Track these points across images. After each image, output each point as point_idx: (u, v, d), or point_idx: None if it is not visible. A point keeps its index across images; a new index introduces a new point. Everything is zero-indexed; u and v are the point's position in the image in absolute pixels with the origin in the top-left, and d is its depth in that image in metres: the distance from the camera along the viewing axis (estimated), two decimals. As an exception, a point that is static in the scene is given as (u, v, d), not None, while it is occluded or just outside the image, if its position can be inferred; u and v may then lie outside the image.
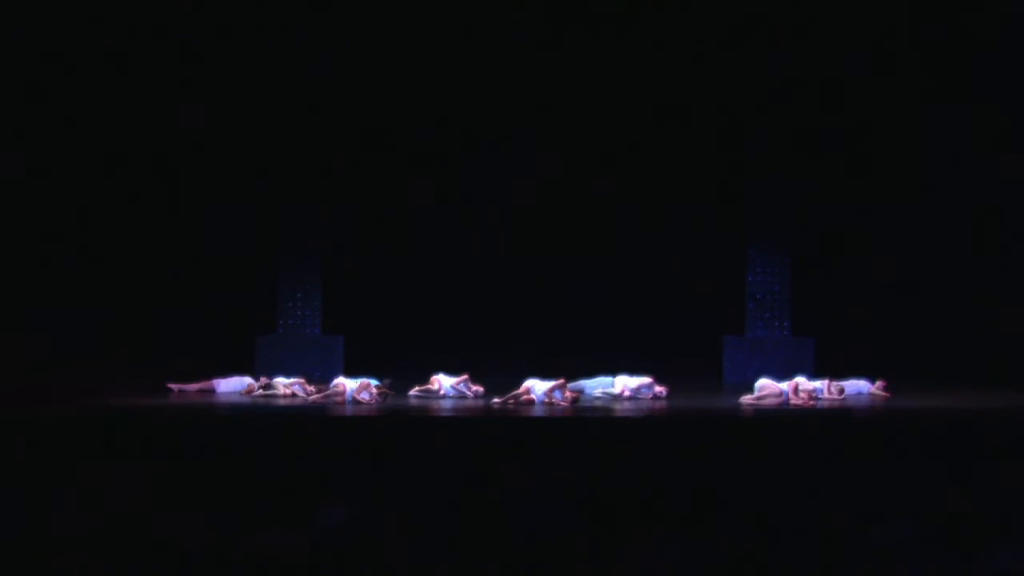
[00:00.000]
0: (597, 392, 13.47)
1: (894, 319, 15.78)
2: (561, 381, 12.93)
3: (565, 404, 12.72)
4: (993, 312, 15.48)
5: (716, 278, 16.19)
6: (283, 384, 13.54)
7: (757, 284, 16.07)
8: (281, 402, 13.18)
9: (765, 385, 13.11)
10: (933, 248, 15.93)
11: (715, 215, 16.26)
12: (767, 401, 12.88)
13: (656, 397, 13.27)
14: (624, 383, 13.41)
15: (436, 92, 16.07)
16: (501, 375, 13.55)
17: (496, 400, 12.77)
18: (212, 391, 13.71)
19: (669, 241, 16.34)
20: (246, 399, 13.42)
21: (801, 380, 13.30)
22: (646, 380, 13.40)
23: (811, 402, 12.96)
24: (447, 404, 12.99)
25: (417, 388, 13.53)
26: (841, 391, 13.50)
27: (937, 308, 15.78)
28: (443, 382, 13.48)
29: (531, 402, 12.71)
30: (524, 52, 15.82)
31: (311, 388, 13.50)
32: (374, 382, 13.25)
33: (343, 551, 6.65)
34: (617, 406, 12.77)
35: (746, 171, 16.01)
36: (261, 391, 13.67)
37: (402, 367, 14.14)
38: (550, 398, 12.77)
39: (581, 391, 13.41)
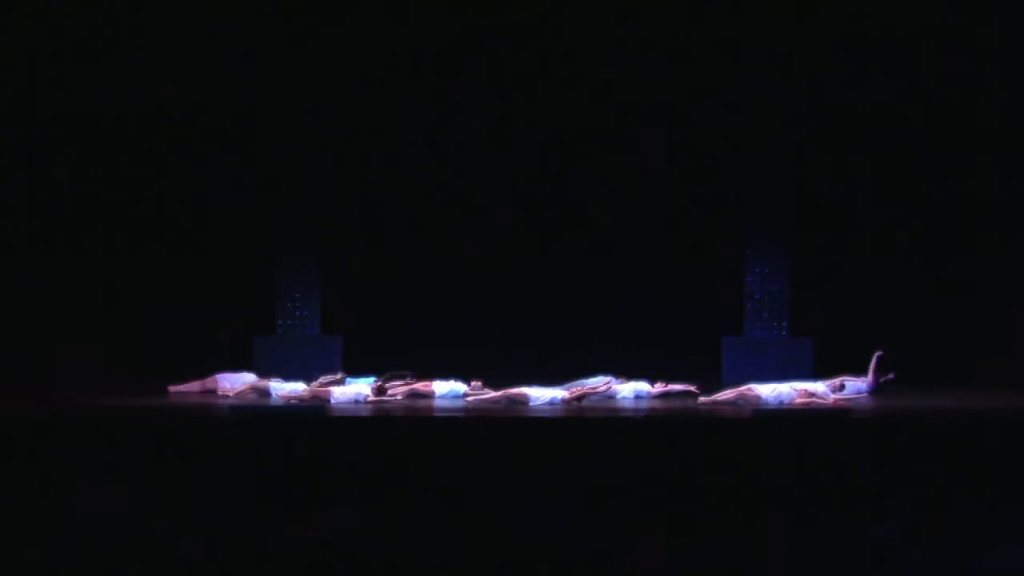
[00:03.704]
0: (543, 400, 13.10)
1: (893, 319, 15.74)
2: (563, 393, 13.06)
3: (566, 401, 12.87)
4: (993, 312, 15.49)
5: (715, 278, 16.16)
6: (280, 391, 13.50)
7: (755, 284, 16.05)
8: (280, 402, 13.19)
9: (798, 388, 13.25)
10: (932, 247, 15.93)
11: (715, 214, 16.24)
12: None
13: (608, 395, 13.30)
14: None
15: (435, 91, 16.07)
16: (500, 375, 13.58)
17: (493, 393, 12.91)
18: (214, 389, 13.71)
19: (668, 240, 16.31)
20: (244, 400, 13.42)
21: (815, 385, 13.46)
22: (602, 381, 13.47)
23: (809, 401, 13.06)
24: (445, 404, 13.02)
25: (412, 386, 13.54)
26: (840, 388, 13.62)
27: (937, 308, 15.77)
28: (439, 388, 13.51)
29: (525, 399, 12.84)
30: (518, 50, 15.83)
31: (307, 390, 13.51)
32: (369, 381, 13.34)
33: (343, 551, 6.64)
34: (617, 406, 12.83)
35: (745, 171, 15.99)
36: (256, 395, 13.66)
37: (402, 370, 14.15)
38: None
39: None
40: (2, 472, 9.38)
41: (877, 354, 13.86)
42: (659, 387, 13.52)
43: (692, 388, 13.49)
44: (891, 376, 13.87)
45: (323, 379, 13.52)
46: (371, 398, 13.12)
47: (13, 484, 8.76)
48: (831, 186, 16.09)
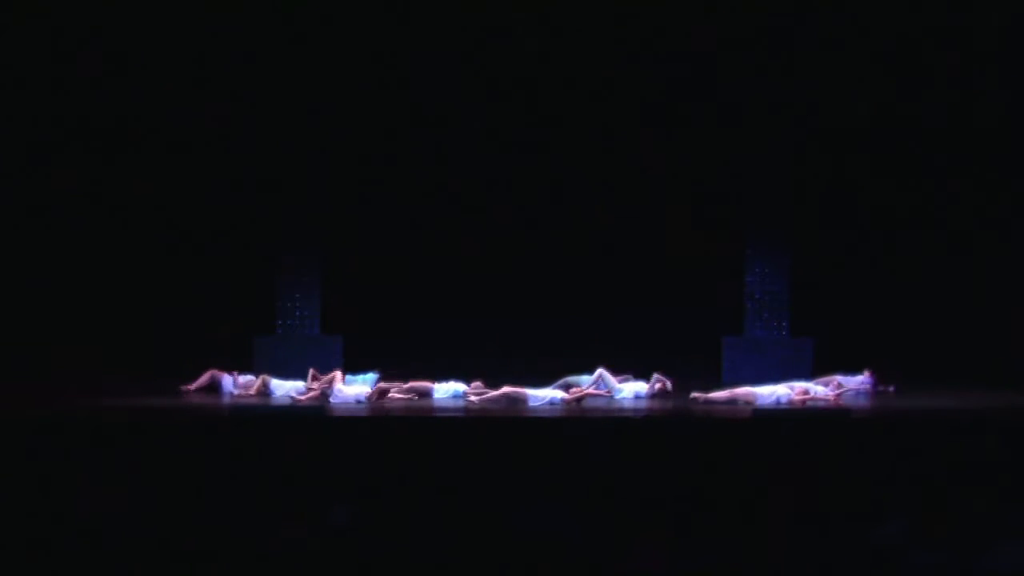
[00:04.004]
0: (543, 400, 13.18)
1: (893, 319, 15.75)
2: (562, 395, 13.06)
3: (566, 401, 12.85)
4: (993, 312, 15.50)
5: (715, 278, 16.16)
6: (280, 389, 13.52)
7: (755, 284, 16.04)
8: (280, 401, 13.21)
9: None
10: (932, 247, 15.94)
11: (715, 215, 16.24)
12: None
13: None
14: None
15: (435, 91, 16.07)
16: (500, 375, 13.58)
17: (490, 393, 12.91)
18: (219, 381, 13.74)
19: (668, 240, 16.31)
20: (244, 400, 13.43)
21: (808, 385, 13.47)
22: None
23: (806, 398, 13.09)
24: (445, 404, 13.03)
25: (409, 387, 13.55)
26: (839, 386, 13.64)
27: (936, 308, 15.77)
28: (439, 388, 13.51)
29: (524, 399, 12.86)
30: (517, 47, 15.83)
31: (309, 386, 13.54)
32: (372, 377, 13.36)
33: (343, 551, 6.64)
34: (617, 406, 12.83)
35: (745, 171, 15.99)
36: (258, 392, 13.67)
37: (401, 369, 14.15)
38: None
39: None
40: (2, 472, 9.38)
41: (868, 372, 14.02)
42: (654, 385, 13.56)
43: (666, 384, 13.52)
44: (891, 388, 13.95)
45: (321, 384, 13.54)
46: (371, 397, 13.13)
47: (13, 484, 8.76)
48: (831, 186, 16.10)
